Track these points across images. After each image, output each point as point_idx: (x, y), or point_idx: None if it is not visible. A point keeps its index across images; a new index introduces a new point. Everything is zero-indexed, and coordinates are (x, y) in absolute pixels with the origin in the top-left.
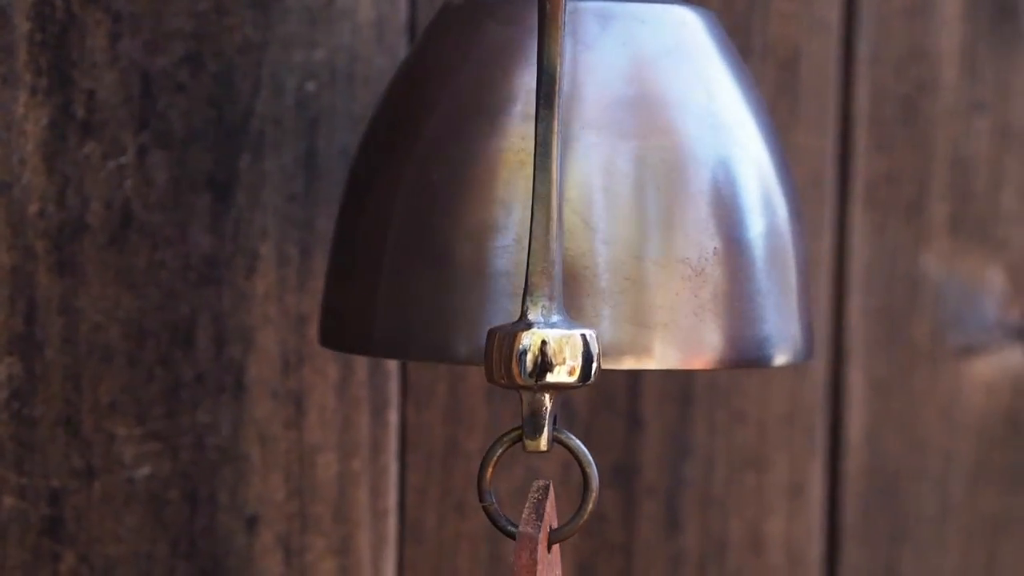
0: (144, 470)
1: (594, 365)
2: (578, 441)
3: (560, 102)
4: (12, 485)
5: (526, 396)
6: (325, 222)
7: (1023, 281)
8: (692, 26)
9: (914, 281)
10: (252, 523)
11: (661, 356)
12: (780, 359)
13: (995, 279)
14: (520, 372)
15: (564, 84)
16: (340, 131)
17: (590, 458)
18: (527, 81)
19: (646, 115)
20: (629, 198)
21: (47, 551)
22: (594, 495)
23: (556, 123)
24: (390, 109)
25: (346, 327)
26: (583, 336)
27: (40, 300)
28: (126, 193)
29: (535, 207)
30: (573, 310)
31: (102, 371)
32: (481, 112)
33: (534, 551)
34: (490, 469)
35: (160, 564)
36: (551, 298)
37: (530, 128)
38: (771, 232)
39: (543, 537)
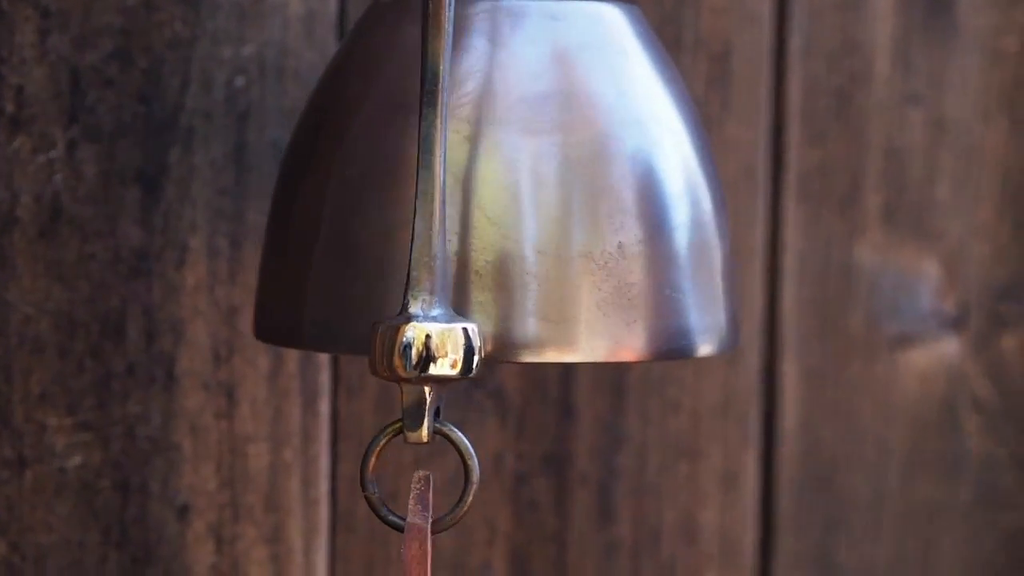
0: (75, 460)
1: (475, 358)
2: (460, 433)
3: (444, 100)
4: None
5: (406, 388)
6: (255, 215)
7: (957, 272)
8: (610, 20)
9: (848, 272)
10: (183, 512)
11: (566, 349)
12: (703, 350)
13: (930, 270)
14: (403, 365)
15: (447, 82)
16: (270, 125)
17: (471, 450)
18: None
19: (559, 111)
20: (538, 194)
21: None
22: (474, 487)
23: (439, 121)
24: (318, 105)
25: (277, 320)
26: (464, 330)
27: None
28: (56, 187)
29: (418, 203)
30: (472, 304)
31: (33, 362)
32: (400, 110)
33: (424, 542)
34: (373, 459)
35: (92, 552)
36: (432, 292)
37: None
38: (693, 224)
39: (417, 530)
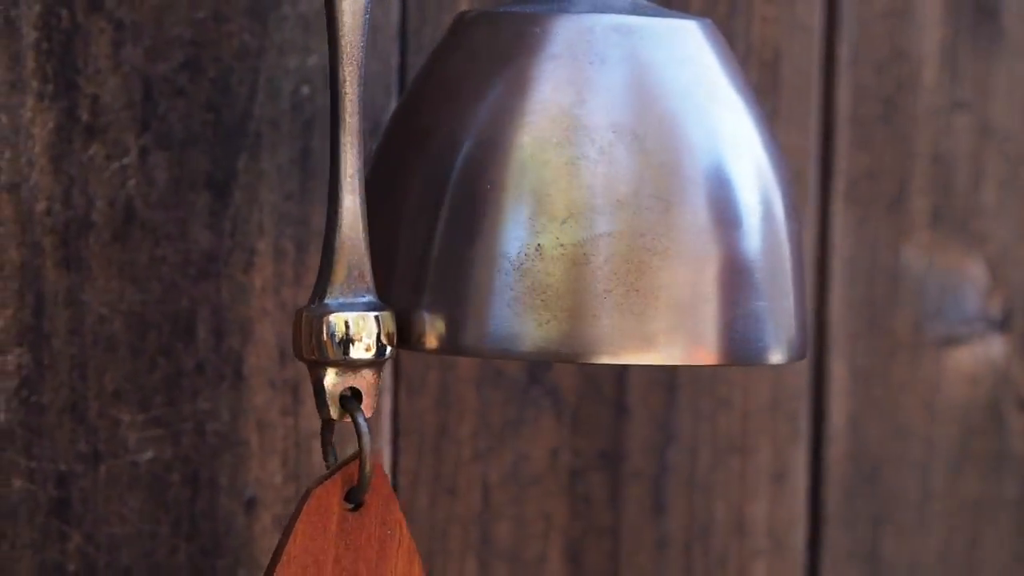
0: (147, 454)
1: (387, 345)
2: (362, 418)
3: (354, 115)
4: (22, 468)
5: (314, 371)
6: (319, 219)
7: (1003, 274)
8: (688, 35)
9: (896, 274)
10: (250, 505)
11: (644, 352)
12: (775, 357)
13: (975, 272)
14: (324, 349)
15: (357, 105)
16: None
17: (367, 438)
18: (538, 95)
19: (639, 123)
20: (615, 203)
21: (55, 531)
22: (368, 467)
23: (349, 135)
24: (416, 117)
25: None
26: (377, 317)
27: (47, 294)
28: (129, 192)
29: (339, 202)
30: (552, 305)
31: (107, 361)
32: (492, 126)
33: (305, 498)
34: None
35: (162, 544)
36: (349, 280)
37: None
38: (767, 234)
39: (319, 491)
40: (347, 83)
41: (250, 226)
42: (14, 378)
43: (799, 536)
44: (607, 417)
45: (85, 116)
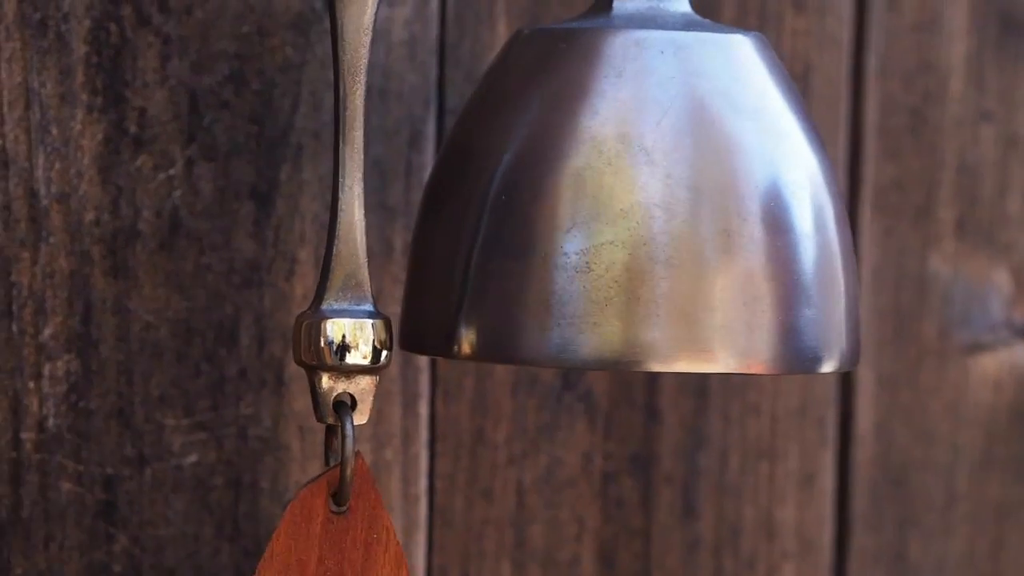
0: (191, 458)
1: (384, 352)
2: (349, 424)
3: (359, 134)
4: (70, 472)
5: (311, 376)
6: None
7: None
8: (739, 49)
9: (922, 281)
10: None
11: (699, 360)
12: (827, 366)
13: (1001, 280)
14: (323, 355)
15: (360, 120)
16: (373, 143)
17: (350, 443)
18: (591, 109)
19: (692, 136)
20: (670, 218)
21: (102, 533)
22: (348, 471)
23: (355, 151)
24: (465, 132)
25: (427, 331)
26: (373, 325)
27: (96, 301)
28: (175, 202)
29: (338, 214)
30: (609, 315)
31: (153, 367)
32: (540, 142)
33: (292, 503)
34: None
35: (206, 545)
36: (347, 289)
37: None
38: (819, 246)
39: (304, 492)
40: (348, 98)
41: (292, 235)
42: (63, 384)
43: (826, 538)
44: (639, 422)
45: (133, 128)
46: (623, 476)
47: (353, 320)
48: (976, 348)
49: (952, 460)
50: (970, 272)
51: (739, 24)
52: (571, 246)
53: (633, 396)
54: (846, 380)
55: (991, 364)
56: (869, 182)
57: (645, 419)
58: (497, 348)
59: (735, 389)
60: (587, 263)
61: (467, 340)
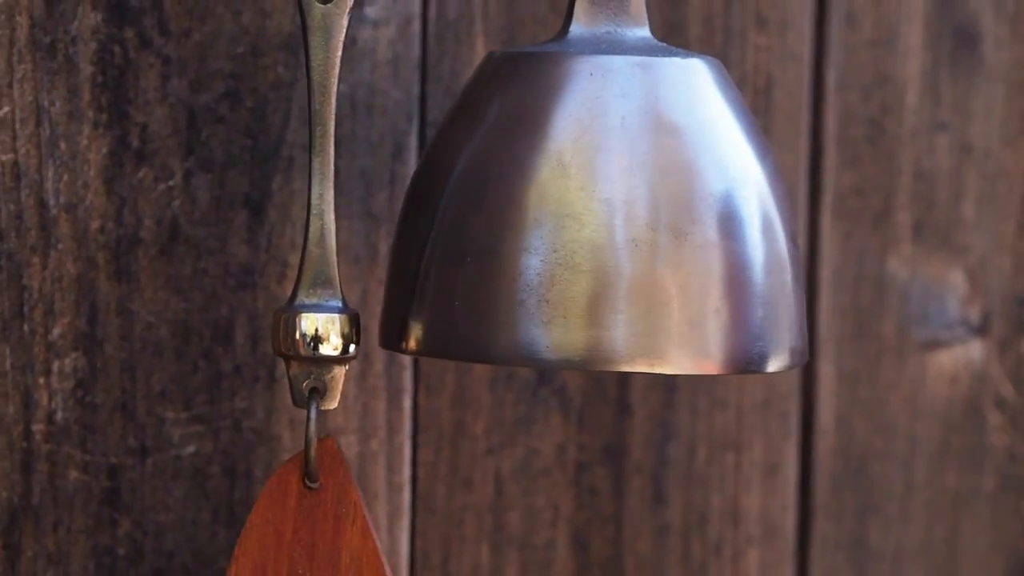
0: (190, 449)
1: (352, 345)
2: (314, 411)
3: (330, 141)
4: (77, 461)
5: (293, 365)
6: (346, 234)
7: (981, 282)
8: (696, 72)
9: (881, 282)
10: None
11: (656, 362)
12: (775, 365)
13: (956, 280)
14: (298, 346)
15: (331, 134)
16: (360, 155)
17: (312, 426)
18: (552, 126)
19: (651, 153)
20: (629, 228)
21: (107, 518)
22: (312, 452)
23: (327, 163)
24: (435, 146)
25: (390, 329)
26: (342, 319)
27: (100, 303)
28: (174, 211)
29: (310, 220)
30: (574, 319)
31: (153, 364)
32: (517, 162)
33: (270, 479)
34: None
35: (203, 530)
36: (320, 285)
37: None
38: (769, 254)
39: (280, 470)
40: (318, 115)
41: (283, 241)
42: (70, 380)
43: (790, 525)
44: (611, 415)
45: (135, 143)
46: (596, 466)
47: (325, 315)
48: (933, 345)
49: (910, 451)
50: (927, 273)
51: (704, 40)
52: (536, 257)
53: (605, 391)
54: (808, 375)
55: (947, 360)
56: (830, 189)
57: (617, 412)
58: (435, 345)
59: (702, 384)
60: (551, 272)
61: (413, 337)
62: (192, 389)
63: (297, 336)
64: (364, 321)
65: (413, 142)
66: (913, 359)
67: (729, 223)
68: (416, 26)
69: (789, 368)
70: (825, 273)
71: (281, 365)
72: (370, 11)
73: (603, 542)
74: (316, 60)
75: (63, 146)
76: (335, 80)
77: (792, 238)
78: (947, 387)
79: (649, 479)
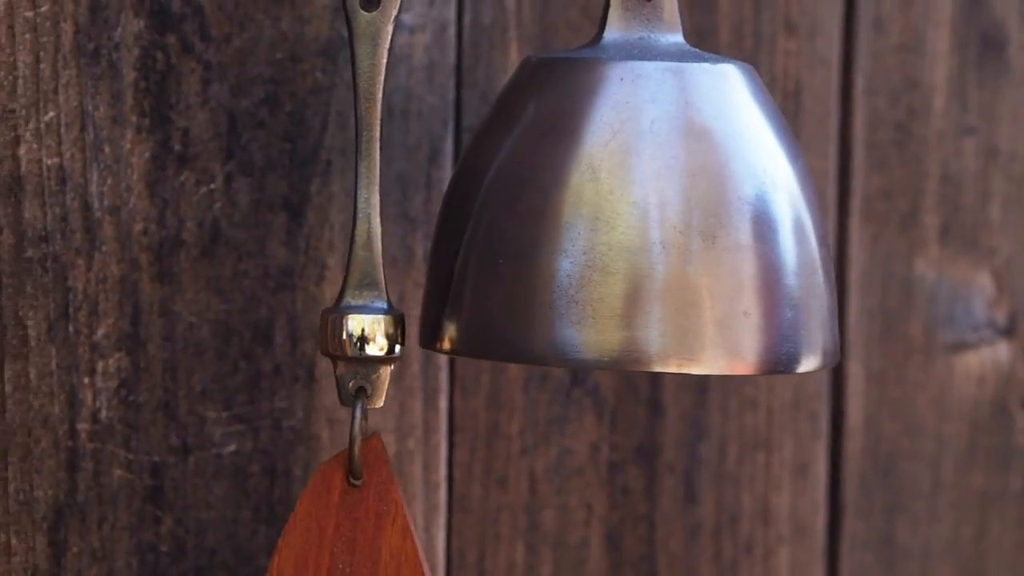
0: (230, 447)
1: (397, 345)
2: (360, 410)
3: (376, 152)
4: (121, 460)
5: (340, 365)
6: (383, 237)
7: (1007, 284)
8: (730, 78)
9: (909, 284)
10: None
11: (689, 362)
12: (807, 365)
13: (983, 282)
14: (345, 346)
15: (377, 140)
16: (396, 159)
17: (358, 425)
18: (584, 131)
19: (686, 157)
20: (663, 228)
21: (150, 515)
22: (356, 450)
23: (373, 167)
24: (472, 150)
25: (429, 329)
26: (387, 320)
27: (143, 304)
28: (215, 214)
29: (356, 223)
30: (608, 320)
31: (195, 364)
32: (550, 164)
33: (314, 475)
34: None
35: (243, 527)
36: (366, 287)
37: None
38: (801, 255)
39: (324, 466)
40: (365, 120)
41: (322, 243)
42: (114, 379)
43: (819, 524)
44: (643, 415)
45: (177, 147)
46: (629, 465)
47: (371, 316)
48: (960, 346)
49: (938, 451)
50: (954, 275)
51: (734, 45)
52: (572, 257)
53: (638, 391)
54: (838, 376)
55: (974, 361)
56: (858, 192)
57: (649, 412)
58: (471, 345)
59: (733, 384)
60: (586, 273)
61: (449, 337)
62: (233, 389)
63: (344, 336)
64: None
65: (449, 146)
66: (940, 360)
67: (760, 226)
68: (451, 32)
69: (820, 369)
70: (853, 275)
71: (319, 365)
72: (406, 17)
73: (636, 541)
74: (362, 67)
75: (107, 150)
76: (380, 86)
77: (823, 240)
78: (974, 388)
79: (681, 479)
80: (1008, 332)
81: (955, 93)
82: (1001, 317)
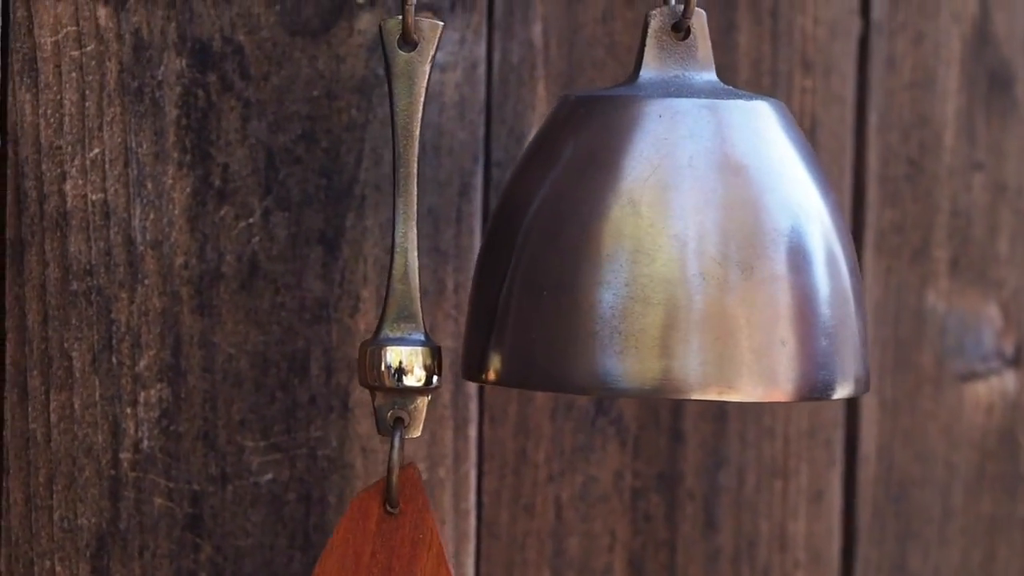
0: (267, 476)
1: (435, 376)
2: (398, 440)
3: (414, 187)
4: (162, 488)
5: (378, 395)
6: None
7: (1015, 315)
8: (762, 114)
9: (920, 316)
10: None
11: (727, 390)
12: (841, 392)
13: (992, 314)
14: (384, 377)
15: (415, 176)
16: (429, 194)
17: (396, 455)
18: (624, 166)
19: (723, 190)
20: (701, 260)
21: (189, 543)
22: (394, 479)
23: (411, 202)
24: (511, 185)
25: (471, 361)
26: (424, 351)
27: (184, 336)
28: (253, 248)
29: (394, 256)
30: (647, 350)
31: (234, 394)
32: (587, 201)
33: (352, 502)
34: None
35: (280, 554)
36: (404, 319)
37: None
38: (833, 287)
39: (362, 494)
40: (403, 156)
41: (356, 276)
42: (155, 410)
43: (834, 550)
44: (665, 443)
45: (217, 182)
46: (651, 493)
47: (408, 348)
48: (970, 376)
49: (948, 478)
50: (964, 307)
51: (753, 83)
52: (612, 288)
53: (659, 420)
54: (851, 405)
55: (983, 390)
56: (871, 225)
57: (670, 441)
58: (514, 376)
59: (751, 414)
60: (626, 304)
61: (492, 368)
62: (270, 419)
63: (382, 368)
64: None
65: (479, 181)
66: (951, 390)
67: (795, 257)
68: (481, 70)
69: (853, 396)
70: (867, 306)
71: (354, 395)
72: (438, 56)
73: (658, 567)
74: (400, 105)
75: (149, 186)
76: (418, 124)
77: (854, 271)
78: (983, 417)
79: (701, 505)
80: (1015, 362)
81: (964, 129)
82: (1009, 348)
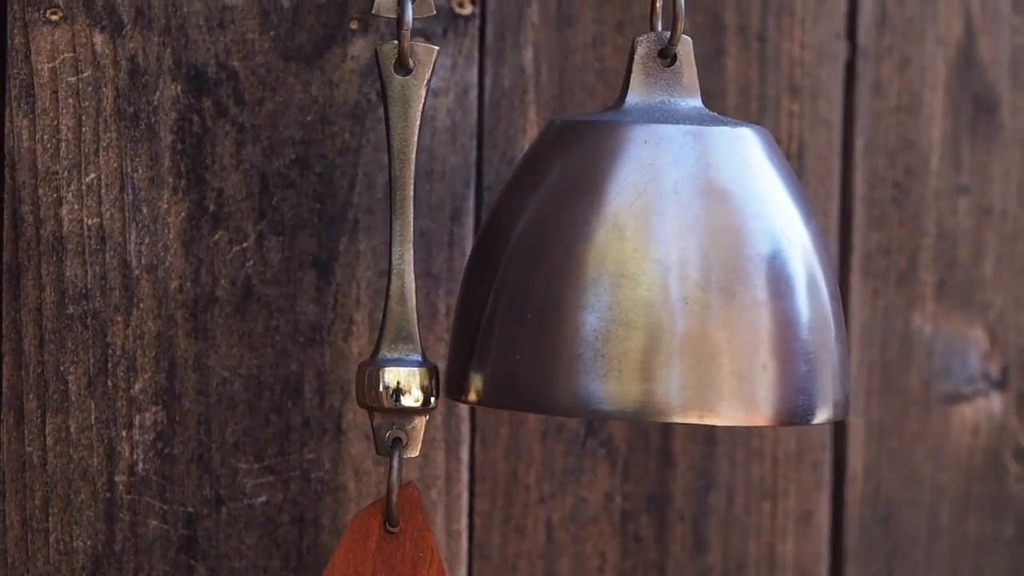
0: (261, 498)
1: (432, 397)
2: (397, 460)
3: (410, 209)
4: (156, 510)
5: (376, 416)
6: None
7: (1001, 338)
8: (746, 140)
9: (907, 338)
10: None
11: (708, 414)
12: (820, 417)
13: (977, 336)
14: (382, 398)
15: (411, 199)
16: (421, 217)
17: (395, 475)
18: (609, 191)
19: (705, 216)
20: (683, 286)
21: (184, 564)
22: (393, 498)
23: (407, 225)
24: (497, 208)
25: (455, 381)
26: (422, 372)
27: (179, 359)
28: (247, 271)
29: (391, 279)
30: (628, 374)
31: (228, 417)
32: (573, 225)
33: (352, 522)
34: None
35: (273, 575)
36: (401, 340)
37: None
38: (814, 312)
39: (362, 514)
40: (398, 180)
41: (349, 300)
42: (150, 432)
43: (823, 571)
44: (654, 465)
45: (212, 206)
46: (640, 514)
47: (406, 369)
48: (956, 398)
49: (935, 499)
50: (950, 329)
51: (741, 107)
52: (596, 313)
53: (649, 442)
54: (839, 427)
55: (969, 412)
56: (858, 248)
57: (660, 463)
58: (497, 396)
59: (740, 436)
60: (609, 328)
61: (475, 389)
62: (264, 441)
63: (380, 389)
64: None
65: (471, 205)
66: (937, 411)
67: (776, 283)
68: (473, 95)
69: (832, 420)
70: (854, 329)
71: (347, 417)
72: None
73: None
74: (396, 129)
75: (145, 210)
76: (414, 147)
77: (834, 297)
78: (969, 438)
79: (690, 527)
80: (1001, 384)
81: (950, 153)
82: (994, 370)
